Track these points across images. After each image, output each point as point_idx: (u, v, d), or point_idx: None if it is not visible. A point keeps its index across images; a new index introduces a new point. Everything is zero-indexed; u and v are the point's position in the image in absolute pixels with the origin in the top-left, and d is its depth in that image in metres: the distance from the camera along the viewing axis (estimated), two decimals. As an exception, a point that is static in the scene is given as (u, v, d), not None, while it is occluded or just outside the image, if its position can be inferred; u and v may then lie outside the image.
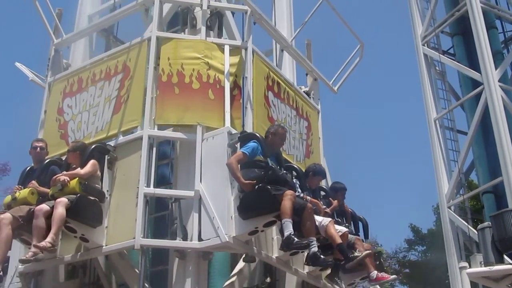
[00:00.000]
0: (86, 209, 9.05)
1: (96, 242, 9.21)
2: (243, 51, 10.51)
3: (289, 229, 8.26)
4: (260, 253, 9.37)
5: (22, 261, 8.65)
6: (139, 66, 10.26)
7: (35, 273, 10.06)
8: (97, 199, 9.18)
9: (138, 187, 9.21)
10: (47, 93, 11.43)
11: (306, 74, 12.75)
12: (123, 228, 9.15)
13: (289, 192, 8.53)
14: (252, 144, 8.94)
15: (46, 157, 9.90)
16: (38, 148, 9.88)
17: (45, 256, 8.98)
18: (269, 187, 8.59)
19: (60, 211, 8.67)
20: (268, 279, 10.86)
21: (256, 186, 8.70)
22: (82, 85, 10.96)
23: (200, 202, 9.17)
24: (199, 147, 9.49)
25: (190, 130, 9.80)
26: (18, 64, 12.56)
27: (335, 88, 13.02)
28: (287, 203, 8.41)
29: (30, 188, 9.30)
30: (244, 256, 9.27)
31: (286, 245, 8.29)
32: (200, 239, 8.99)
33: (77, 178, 9.05)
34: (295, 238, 8.23)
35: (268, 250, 9.66)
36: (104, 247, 9.29)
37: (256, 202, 8.67)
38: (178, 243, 9.13)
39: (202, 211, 9.10)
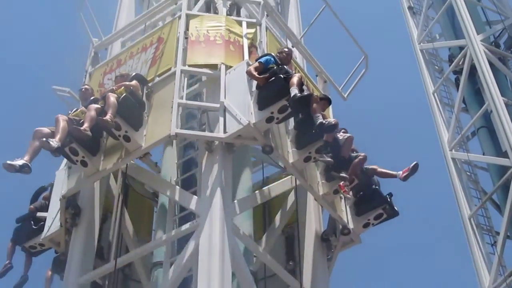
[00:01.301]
0: (130, 109, 11.05)
1: (137, 142, 11.05)
2: (258, 27, 12.95)
3: (295, 91, 10.29)
4: (279, 154, 11.12)
5: (74, 131, 10.43)
6: (171, 34, 12.76)
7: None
8: (138, 105, 11.15)
9: (172, 101, 11.17)
10: (87, 80, 13.62)
11: (316, 75, 14.66)
12: (159, 131, 11.02)
13: (296, 74, 10.67)
14: (266, 57, 11.25)
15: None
16: (83, 89, 12.04)
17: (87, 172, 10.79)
18: (280, 75, 10.70)
19: (112, 99, 10.74)
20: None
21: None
22: (121, 62, 13.31)
23: (224, 111, 11.11)
24: (223, 79, 11.62)
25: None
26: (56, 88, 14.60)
27: (345, 95, 14.75)
28: (295, 79, 10.55)
29: (80, 109, 11.37)
30: (262, 147, 11.00)
31: (293, 99, 10.38)
32: (225, 132, 10.83)
33: (124, 87, 11.14)
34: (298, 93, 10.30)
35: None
36: (143, 147, 11.02)
37: (269, 91, 10.94)
38: (206, 134, 11.06)
39: (226, 114, 11.02)
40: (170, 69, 12.16)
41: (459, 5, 23.42)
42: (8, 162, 10.44)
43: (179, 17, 13.01)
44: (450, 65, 24.01)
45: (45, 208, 12.69)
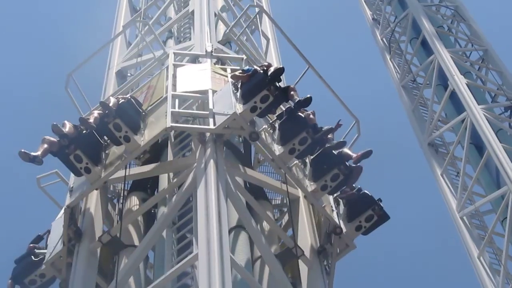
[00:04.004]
0: (129, 114, 13.31)
1: (136, 141, 13.07)
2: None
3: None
4: (264, 142, 13.04)
5: (82, 120, 12.44)
6: (160, 80, 15.09)
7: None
8: (136, 112, 13.20)
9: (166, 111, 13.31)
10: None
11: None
12: (156, 129, 13.00)
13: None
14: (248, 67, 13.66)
15: None
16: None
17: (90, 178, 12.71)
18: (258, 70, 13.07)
19: (112, 100, 12.89)
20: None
21: None
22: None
23: (214, 115, 13.23)
24: (211, 97, 13.81)
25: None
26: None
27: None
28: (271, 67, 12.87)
29: None
30: (249, 135, 13.05)
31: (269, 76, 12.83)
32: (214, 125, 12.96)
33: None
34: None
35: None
36: (141, 145, 12.93)
37: (251, 84, 13.31)
38: (198, 126, 13.16)
39: (215, 114, 13.16)
40: (161, 97, 14.19)
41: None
42: (23, 150, 12.13)
43: (167, 68, 15.26)
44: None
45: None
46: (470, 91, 26.05)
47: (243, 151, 15.67)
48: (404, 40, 31.68)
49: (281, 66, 13.37)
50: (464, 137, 25.44)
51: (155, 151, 14.95)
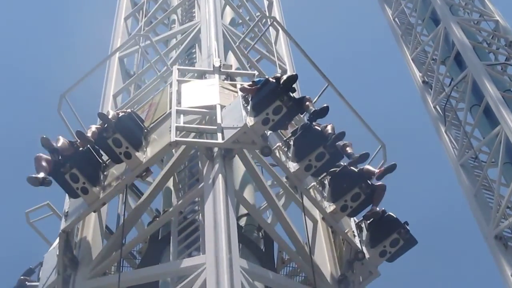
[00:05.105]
0: (130, 128, 12.58)
1: (138, 158, 12.32)
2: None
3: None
4: (277, 157, 12.24)
5: (79, 134, 11.61)
6: (163, 97, 14.31)
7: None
8: (138, 126, 12.39)
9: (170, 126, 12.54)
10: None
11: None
12: (160, 144, 12.22)
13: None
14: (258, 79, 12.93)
15: None
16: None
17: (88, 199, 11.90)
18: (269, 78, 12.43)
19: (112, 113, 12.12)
20: None
21: None
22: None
23: (222, 130, 12.46)
24: (219, 112, 13.03)
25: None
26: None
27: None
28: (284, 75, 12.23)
29: None
30: (261, 149, 12.36)
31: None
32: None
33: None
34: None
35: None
36: (143, 162, 12.11)
37: (262, 95, 12.60)
38: (205, 140, 12.36)
39: (223, 128, 12.38)
40: (165, 113, 13.39)
41: None
42: (33, 175, 11.70)
43: (171, 84, 14.48)
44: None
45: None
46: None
47: (263, 249, 14.23)
48: (462, 108, 25.79)
49: (294, 73, 12.62)
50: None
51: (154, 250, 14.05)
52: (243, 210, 13.94)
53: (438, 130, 25.92)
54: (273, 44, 16.65)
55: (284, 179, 13.59)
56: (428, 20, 28.53)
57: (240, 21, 19.97)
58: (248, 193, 13.77)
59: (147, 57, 16.36)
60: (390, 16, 30.76)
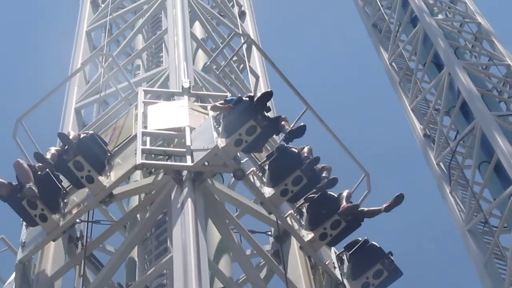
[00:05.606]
0: (93, 150, 11.81)
1: (101, 182, 11.49)
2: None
3: None
4: (251, 182, 11.51)
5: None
6: (128, 120, 13.50)
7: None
8: (101, 148, 11.62)
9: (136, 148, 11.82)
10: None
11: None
12: (125, 167, 11.45)
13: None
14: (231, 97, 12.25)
15: None
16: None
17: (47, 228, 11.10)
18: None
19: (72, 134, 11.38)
20: None
21: None
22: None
23: (191, 152, 11.81)
24: (188, 134, 12.30)
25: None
26: None
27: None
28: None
29: None
30: (234, 173, 11.62)
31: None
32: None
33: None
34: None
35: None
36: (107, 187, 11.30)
37: (235, 114, 11.83)
38: (172, 163, 11.58)
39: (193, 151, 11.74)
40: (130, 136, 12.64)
41: None
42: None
43: (136, 106, 13.72)
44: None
45: None
46: None
47: None
48: (470, 165, 22.66)
49: (269, 90, 11.95)
50: None
51: None
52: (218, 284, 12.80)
53: (442, 191, 22.80)
54: (247, 62, 15.97)
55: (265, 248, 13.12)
56: (430, 64, 25.53)
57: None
58: (224, 264, 12.90)
59: (112, 80, 15.56)
60: (387, 61, 27.58)
